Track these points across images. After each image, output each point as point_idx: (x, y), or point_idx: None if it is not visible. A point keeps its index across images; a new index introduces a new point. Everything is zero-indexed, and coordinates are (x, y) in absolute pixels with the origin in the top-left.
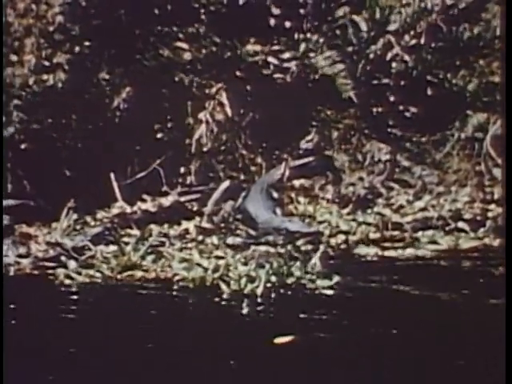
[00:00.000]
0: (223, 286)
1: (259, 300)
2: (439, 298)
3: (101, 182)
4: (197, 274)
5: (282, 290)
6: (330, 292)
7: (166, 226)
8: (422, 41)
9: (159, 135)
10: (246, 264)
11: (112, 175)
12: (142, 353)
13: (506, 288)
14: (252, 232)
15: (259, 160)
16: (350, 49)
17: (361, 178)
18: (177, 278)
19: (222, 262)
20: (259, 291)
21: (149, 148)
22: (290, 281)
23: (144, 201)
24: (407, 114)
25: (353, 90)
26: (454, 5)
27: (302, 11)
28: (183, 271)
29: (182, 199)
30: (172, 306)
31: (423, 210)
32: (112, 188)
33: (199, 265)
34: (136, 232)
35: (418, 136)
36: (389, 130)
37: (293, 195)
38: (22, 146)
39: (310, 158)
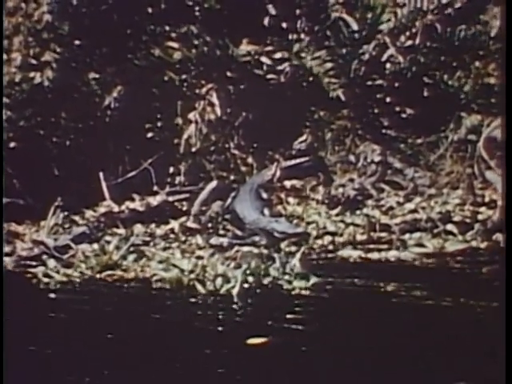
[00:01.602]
0: (199, 287)
1: (235, 300)
2: (418, 298)
3: (90, 181)
4: (174, 274)
5: (258, 291)
6: (306, 293)
7: (152, 225)
8: (417, 41)
9: (150, 134)
10: (223, 264)
11: (101, 174)
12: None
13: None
14: (238, 232)
15: (250, 160)
16: (342, 49)
17: (351, 180)
18: (155, 278)
19: (200, 262)
20: (235, 291)
21: (139, 147)
22: (266, 281)
23: (132, 200)
24: (401, 116)
25: (340, 88)
26: (450, 6)
27: (297, 11)
28: (161, 271)
29: (171, 199)
30: (149, 305)
31: (413, 211)
32: (101, 187)
33: (176, 265)
34: (122, 231)
35: (412, 137)
36: (383, 131)
37: (282, 196)
38: (11, 145)
39: (303, 159)
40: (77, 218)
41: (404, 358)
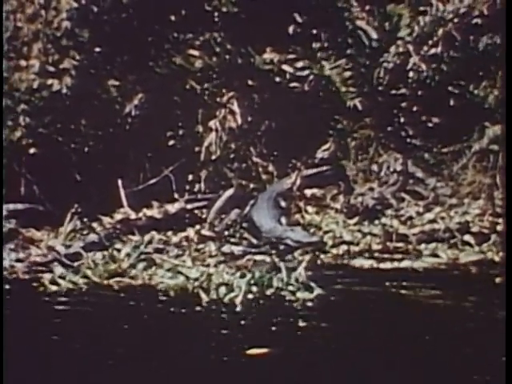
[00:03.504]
0: (203, 295)
1: (238, 310)
2: (424, 311)
3: (110, 188)
4: (179, 281)
5: (261, 301)
6: (309, 304)
7: (168, 233)
8: (440, 50)
9: (171, 142)
10: (228, 273)
11: (119, 181)
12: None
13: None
14: (254, 241)
15: (271, 168)
16: (362, 57)
17: (371, 189)
18: (161, 285)
19: (206, 271)
20: (238, 301)
21: (160, 155)
22: (269, 291)
23: (150, 207)
24: (426, 125)
25: (358, 97)
26: (474, 14)
27: (321, 20)
28: (167, 279)
29: (189, 206)
30: (154, 313)
31: (432, 221)
32: (119, 194)
33: (181, 273)
34: (137, 238)
35: (438, 147)
36: (407, 140)
37: (301, 204)
38: (31, 151)
39: (324, 168)
40: (94, 224)
41: (409, 370)
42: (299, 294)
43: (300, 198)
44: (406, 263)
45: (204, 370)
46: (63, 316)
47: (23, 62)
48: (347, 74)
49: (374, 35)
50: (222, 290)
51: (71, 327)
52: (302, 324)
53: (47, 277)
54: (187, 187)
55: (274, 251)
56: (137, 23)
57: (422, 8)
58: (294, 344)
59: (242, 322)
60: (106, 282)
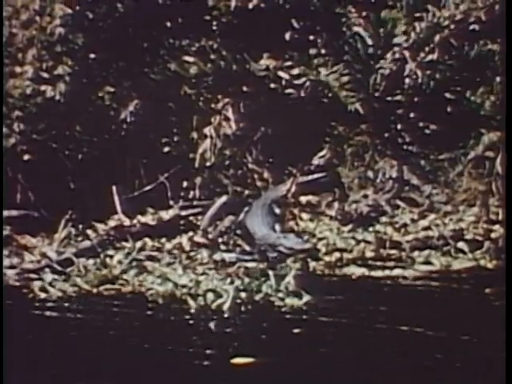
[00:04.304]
0: (190, 301)
1: (226, 316)
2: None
3: (105, 194)
4: (168, 288)
5: (249, 307)
6: (297, 311)
7: (161, 239)
8: (436, 57)
9: (166, 149)
10: (217, 280)
11: (114, 188)
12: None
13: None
14: (247, 248)
15: (266, 175)
16: (359, 63)
17: (365, 196)
18: (150, 292)
19: (195, 277)
20: (226, 307)
21: (155, 161)
22: (258, 297)
23: (144, 214)
24: (423, 131)
25: (358, 101)
26: (470, 21)
27: (318, 27)
28: (156, 286)
29: (183, 213)
30: (142, 320)
31: (426, 229)
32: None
33: (169, 279)
34: (130, 245)
35: (435, 154)
36: (403, 147)
37: (296, 211)
38: (26, 157)
39: (319, 175)
40: (88, 231)
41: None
42: (288, 301)
43: (295, 205)
44: (397, 271)
45: (191, 376)
46: (53, 321)
47: (18, 68)
48: (345, 78)
49: (370, 41)
50: (210, 296)
51: (60, 332)
52: (290, 331)
53: (37, 284)
54: (182, 194)
55: (266, 258)
56: (132, 29)
57: (418, 14)
58: (282, 352)
59: (229, 330)
60: (95, 289)
